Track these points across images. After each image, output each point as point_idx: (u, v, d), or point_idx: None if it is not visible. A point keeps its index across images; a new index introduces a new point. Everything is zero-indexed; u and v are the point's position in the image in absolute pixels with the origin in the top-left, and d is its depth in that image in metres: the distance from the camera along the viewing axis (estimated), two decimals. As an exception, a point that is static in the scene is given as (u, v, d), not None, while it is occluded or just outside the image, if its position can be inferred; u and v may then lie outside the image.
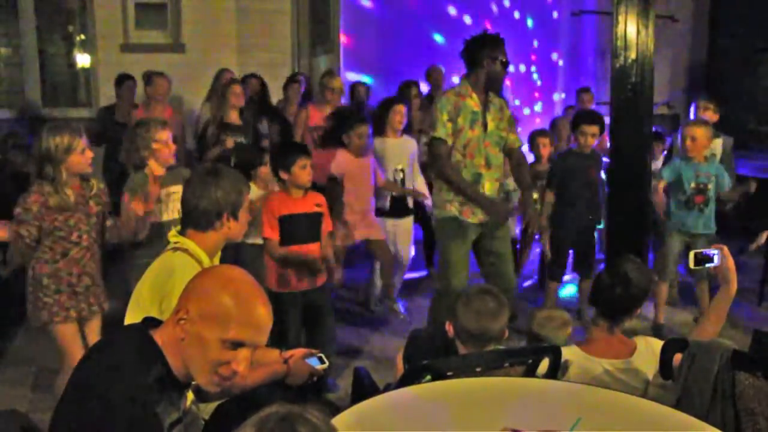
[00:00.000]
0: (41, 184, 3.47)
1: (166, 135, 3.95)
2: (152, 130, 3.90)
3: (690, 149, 4.99)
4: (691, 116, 5.84)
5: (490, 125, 4.34)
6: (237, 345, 1.77)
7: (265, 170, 4.61)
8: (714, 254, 2.85)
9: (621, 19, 5.46)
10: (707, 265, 2.87)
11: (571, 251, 5.47)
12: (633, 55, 5.45)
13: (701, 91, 9.56)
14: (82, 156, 3.51)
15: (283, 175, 4.14)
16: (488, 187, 4.37)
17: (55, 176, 3.46)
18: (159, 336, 1.82)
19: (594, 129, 5.25)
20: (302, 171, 4.12)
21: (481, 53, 4.27)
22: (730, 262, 2.82)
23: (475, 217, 4.35)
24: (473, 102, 4.30)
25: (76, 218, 3.55)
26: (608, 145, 5.59)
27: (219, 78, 6.64)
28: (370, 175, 5.26)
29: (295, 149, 4.26)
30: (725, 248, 2.84)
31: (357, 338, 5.25)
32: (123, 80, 6.72)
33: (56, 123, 3.66)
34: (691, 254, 2.90)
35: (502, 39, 4.35)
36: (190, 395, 2.43)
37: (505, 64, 4.32)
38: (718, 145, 5.78)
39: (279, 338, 4.20)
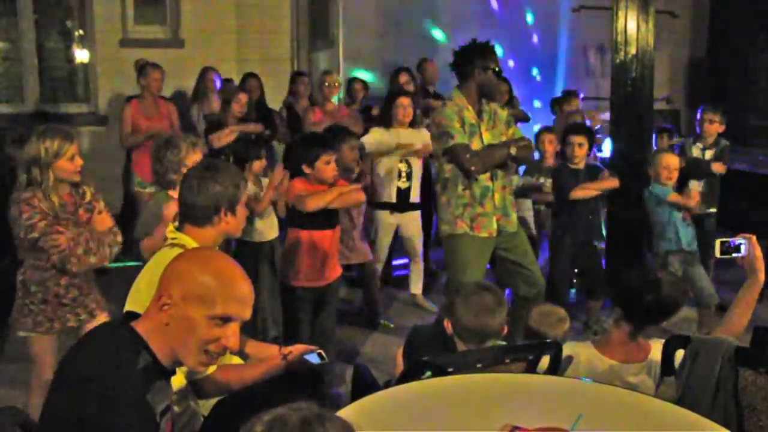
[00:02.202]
0: (28, 191, 3.35)
1: (197, 157, 3.68)
2: (183, 153, 3.66)
3: (673, 177, 4.90)
4: (697, 129, 5.69)
5: (486, 136, 4.21)
6: (225, 320, 1.79)
7: (259, 164, 4.58)
8: (741, 243, 2.76)
9: (621, 14, 5.47)
10: (734, 255, 2.77)
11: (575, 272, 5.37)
12: (633, 51, 5.45)
13: (701, 87, 9.58)
14: (71, 163, 3.39)
15: (306, 170, 4.03)
16: (497, 198, 4.22)
17: (42, 181, 3.34)
18: (141, 326, 1.82)
19: (580, 138, 5.13)
20: (326, 167, 4.01)
21: (472, 64, 4.17)
22: (758, 251, 2.75)
23: (485, 230, 4.19)
24: (470, 114, 4.20)
25: (64, 227, 3.41)
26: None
27: (203, 77, 6.67)
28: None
29: (319, 143, 4.12)
30: (753, 237, 2.77)
31: (357, 334, 5.24)
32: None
33: (49, 126, 3.53)
34: (717, 243, 2.80)
35: (492, 47, 4.24)
36: (181, 380, 2.42)
37: (498, 73, 4.21)
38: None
39: (289, 333, 4.19)
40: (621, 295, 2.82)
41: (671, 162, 4.93)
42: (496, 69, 4.19)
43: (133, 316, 1.88)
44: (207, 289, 1.77)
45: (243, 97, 5.76)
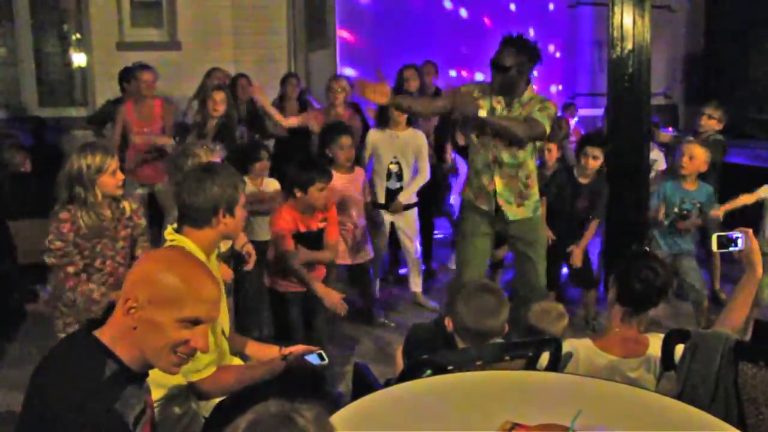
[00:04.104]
0: (69, 209, 3.35)
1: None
2: (198, 159, 3.64)
3: (686, 167, 4.80)
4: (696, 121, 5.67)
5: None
6: (194, 322, 1.77)
7: (260, 165, 4.55)
8: (738, 237, 2.73)
9: (617, 9, 5.46)
10: (731, 248, 2.75)
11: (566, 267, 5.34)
12: (630, 46, 5.44)
13: (699, 82, 9.58)
14: (113, 178, 3.39)
15: (298, 194, 4.00)
16: (498, 185, 4.22)
17: (87, 198, 3.33)
18: (105, 333, 1.79)
19: (596, 151, 5.03)
20: (318, 193, 3.99)
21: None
22: (755, 245, 2.73)
23: (485, 204, 4.27)
24: (496, 101, 4.15)
25: (102, 244, 3.44)
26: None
27: (210, 77, 6.60)
28: (359, 190, 5.12)
29: (316, 169, 4.06)
30: (750, 231, 2.76)
31: (356, 333, 5.24)
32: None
33: (88, 142, 3.51)
34: (714, 237, 2.78)
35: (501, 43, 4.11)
36: (181, 380, 2.42)
37: (500, 68, 4.06)
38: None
39: (282, 336, 4.18)
40: (617, 287, 2.82)
41: (694, 152, 4.81)
42: (499, 65, 4.06)
43: (97, 324, 1.84)
44: (174, 291, 1.74)
45: (218, 95, 5.63)
